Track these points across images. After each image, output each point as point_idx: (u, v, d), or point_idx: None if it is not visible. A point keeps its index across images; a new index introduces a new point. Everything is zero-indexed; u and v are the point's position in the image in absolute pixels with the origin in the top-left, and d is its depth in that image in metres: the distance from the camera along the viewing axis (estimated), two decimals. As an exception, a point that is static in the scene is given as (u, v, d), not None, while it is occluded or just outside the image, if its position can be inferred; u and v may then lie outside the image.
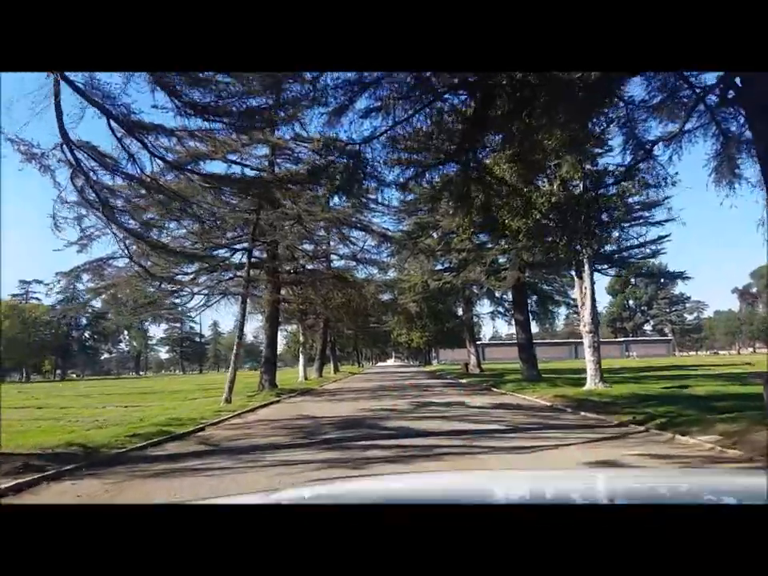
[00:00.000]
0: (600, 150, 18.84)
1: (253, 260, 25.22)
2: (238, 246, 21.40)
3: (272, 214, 22.25)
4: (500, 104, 12.16)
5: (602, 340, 75.48)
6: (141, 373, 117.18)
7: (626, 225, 20.36)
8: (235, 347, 19.82)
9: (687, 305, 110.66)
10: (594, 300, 19.23)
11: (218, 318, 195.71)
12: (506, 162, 13.93)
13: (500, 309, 44.66)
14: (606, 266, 26.77)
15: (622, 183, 17.56)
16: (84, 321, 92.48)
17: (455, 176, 14.01)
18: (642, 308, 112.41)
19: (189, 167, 14.74)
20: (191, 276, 20.33)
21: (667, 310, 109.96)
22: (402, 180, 14.06)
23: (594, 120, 13.81)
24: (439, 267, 38.50)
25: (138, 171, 14.11)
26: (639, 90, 12.99)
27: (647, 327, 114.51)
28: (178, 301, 22.40)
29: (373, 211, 23.98)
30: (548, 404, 15.97)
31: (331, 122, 12.20)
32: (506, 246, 24.45)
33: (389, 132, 12.72)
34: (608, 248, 21.95)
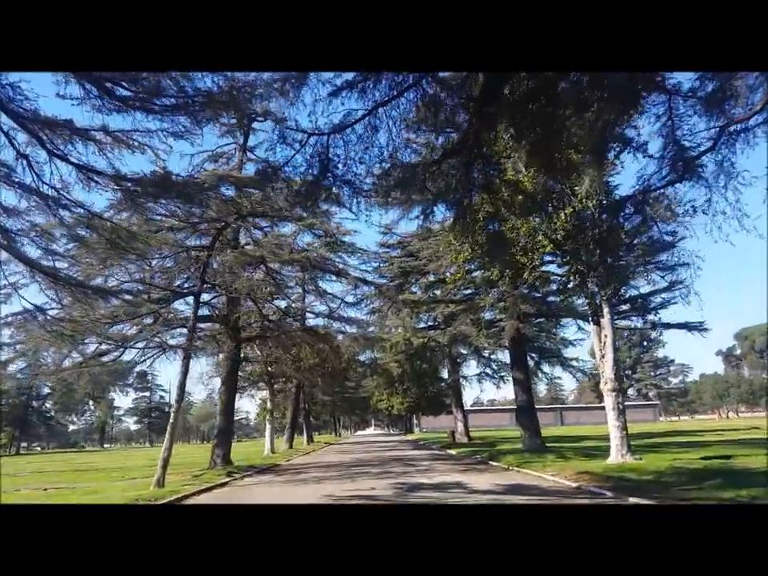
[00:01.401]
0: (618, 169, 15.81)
1: (208, 311, 21.44)
2: (185, 290, 17.57)
3: (230, 254, 18.67)
4: (515, 84, 8.98)
5: (586, 405, 70.34)
6: (106, 445, 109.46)
7: (645, 265, 17.07)
8: (172, 415, 15.68)
9: (672, 368, 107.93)
10: (616, 351, 15.66)
11: (188, 387, 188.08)
12: (520, 159, 10.61)
13: (488, 370, 41.02)
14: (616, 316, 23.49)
15: (648, 208, 14.49)
16: (46, 389, 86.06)
17: (454, 180, 10.66)
18: (626, 372, 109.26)
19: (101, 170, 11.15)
20: (128, 325, 16.41)
21: (652, 374, 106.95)
22: (383, 186, 10.64)
23: (628, 115, 10.81)
24: (423, 325, 35.01)
25: (34, 179, 10.74)
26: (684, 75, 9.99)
27: (631, 392, 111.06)
28: (107, 359, 18.16)
29: (347, 252, 20.49)
30: (574, 485, 12.08)
31: (285, 93, 8.81)
32: (503, 294, 21.09)
33: (367, 118, 9.47)
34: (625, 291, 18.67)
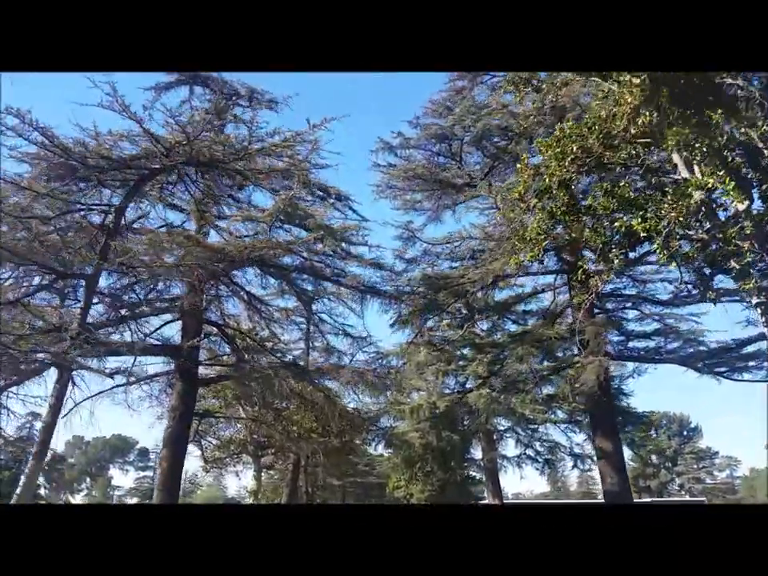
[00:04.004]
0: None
1: (152, 335, 14.55)
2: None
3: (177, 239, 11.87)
4: None
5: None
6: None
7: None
8: (21, 483, 8.47)
9: (716, 461, 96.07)
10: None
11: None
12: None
13: (530, 451, 32.51)
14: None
15: None
16: (36, 464, 77.93)
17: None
18: (667, 464, 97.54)
19: None
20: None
21: (695, 467, 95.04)
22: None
23: None
24: (449, 391, 27.48)
25: None
26: None
27: (674, 486, 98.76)
28: None
29: (350, 255, 13.52)
30: None
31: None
32: (573, 322, 13.90)
33: None
34: None
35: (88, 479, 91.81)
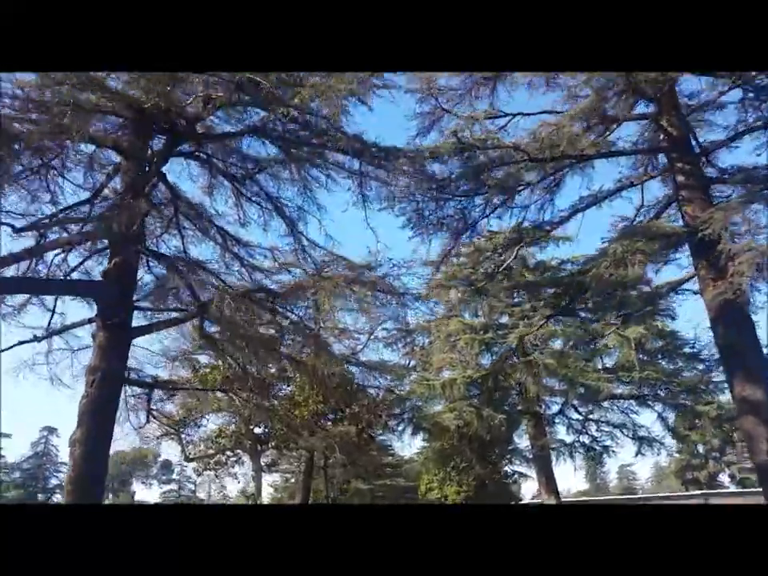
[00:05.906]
0: None
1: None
2: None
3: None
4: None
5: (671, 494, 51.77)
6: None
7: None
8: None
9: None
10: None
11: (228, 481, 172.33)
12: None
13: (583, 438, 27.06)
14: None
15: None
16: (54, 480, 74.52)
17: None
18: (714, 454, 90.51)
19: None
20: None
21: (745, 455, 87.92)
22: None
23: None
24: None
25: None
26: None
27: (724, 477, 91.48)
28: None
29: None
30: None
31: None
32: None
33: None
34: None
35: (110, 495, 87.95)
